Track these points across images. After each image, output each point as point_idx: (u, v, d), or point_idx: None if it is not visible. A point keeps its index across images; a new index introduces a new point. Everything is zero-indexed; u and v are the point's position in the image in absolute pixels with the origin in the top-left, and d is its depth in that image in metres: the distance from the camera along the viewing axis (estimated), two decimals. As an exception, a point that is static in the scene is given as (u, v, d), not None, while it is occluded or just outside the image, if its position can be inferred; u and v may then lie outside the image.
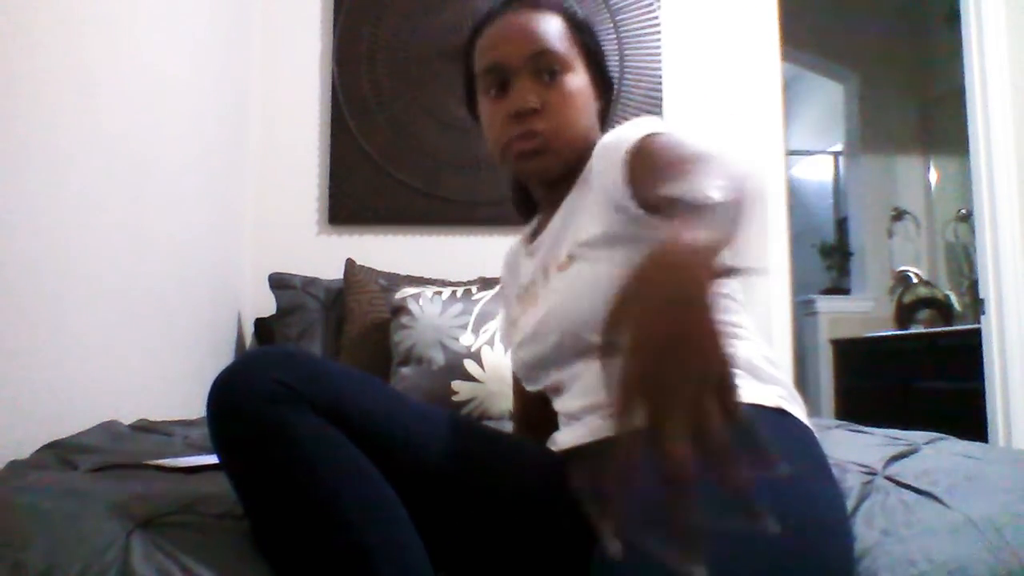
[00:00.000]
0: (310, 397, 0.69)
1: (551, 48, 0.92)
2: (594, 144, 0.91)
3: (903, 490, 0.82)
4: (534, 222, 1.08)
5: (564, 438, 0.88)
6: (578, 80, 0.93)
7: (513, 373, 1.07)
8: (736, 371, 0.73)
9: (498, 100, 0.93)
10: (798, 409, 0.79)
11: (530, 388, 1.01)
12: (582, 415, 0.86)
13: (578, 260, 0.86)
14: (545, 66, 0.92)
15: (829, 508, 0.66)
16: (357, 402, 0.73)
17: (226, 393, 0.69)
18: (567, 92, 0.92)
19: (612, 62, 2.54)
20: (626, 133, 0.81)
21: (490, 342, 1.87)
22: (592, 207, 0.87)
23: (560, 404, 0.93)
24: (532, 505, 0.80)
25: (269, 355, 0.73)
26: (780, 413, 0.75)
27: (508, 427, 1.61)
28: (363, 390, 0.76)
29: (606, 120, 1.00)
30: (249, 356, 0.74)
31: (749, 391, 0.76)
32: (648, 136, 0.77)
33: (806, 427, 0.77)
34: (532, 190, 1.04)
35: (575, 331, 0.85)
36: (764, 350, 0.84)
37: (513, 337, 1.01)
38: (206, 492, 0.78)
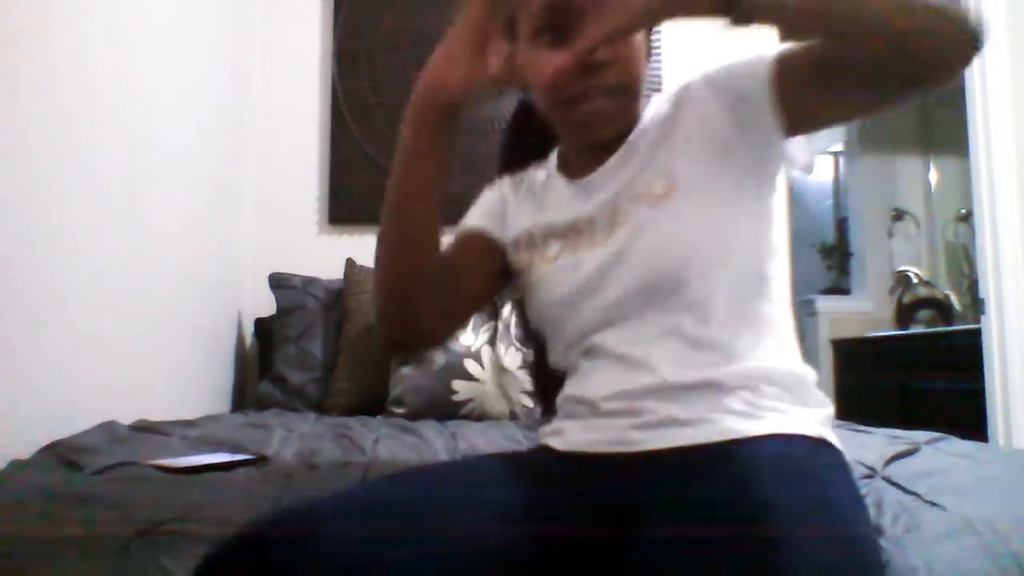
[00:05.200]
0: None
1: None
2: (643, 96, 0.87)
3: (902, 492, 0.82)
4: (552, 158, 1.00)
5: (578, 437, 0.80)
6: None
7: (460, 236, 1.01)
8: (786, 390, 0.76)
9: (552, 46, 0.81)
10: (834, 434, 0.77)
11: (550, 348, 0.92)
12: (605, 405, 0.78)
13: (676, 199, 0.80)
14: None
15: (868, 551, 0.63)
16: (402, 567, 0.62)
17: None
18: (635, 44, 0.83)
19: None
20: (730, 69, 0.85)
21: (490, 342, 1.87)
22: (691, 146, 0.83)
23: (578, 386, 0.84)
24: (556, 521, 0.72)
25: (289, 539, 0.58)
26: (823, 444, 0.73)
27: (508, 427, 1.61)
28: (405, 545, 0.63)
29: None
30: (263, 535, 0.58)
31: (798, 417, 0.74)
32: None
33: (843, 459, 0.75)
34: (565, 135, 0.93)
35: (660, 276, 0.78)
36: (807, 368, 0.82)
37: (545, 275, 0.89)
38: (206, 498, 0.78)
